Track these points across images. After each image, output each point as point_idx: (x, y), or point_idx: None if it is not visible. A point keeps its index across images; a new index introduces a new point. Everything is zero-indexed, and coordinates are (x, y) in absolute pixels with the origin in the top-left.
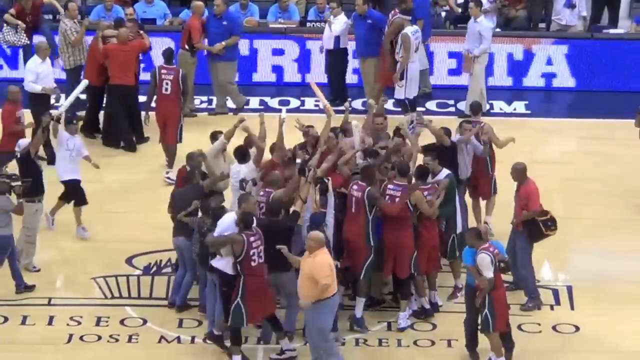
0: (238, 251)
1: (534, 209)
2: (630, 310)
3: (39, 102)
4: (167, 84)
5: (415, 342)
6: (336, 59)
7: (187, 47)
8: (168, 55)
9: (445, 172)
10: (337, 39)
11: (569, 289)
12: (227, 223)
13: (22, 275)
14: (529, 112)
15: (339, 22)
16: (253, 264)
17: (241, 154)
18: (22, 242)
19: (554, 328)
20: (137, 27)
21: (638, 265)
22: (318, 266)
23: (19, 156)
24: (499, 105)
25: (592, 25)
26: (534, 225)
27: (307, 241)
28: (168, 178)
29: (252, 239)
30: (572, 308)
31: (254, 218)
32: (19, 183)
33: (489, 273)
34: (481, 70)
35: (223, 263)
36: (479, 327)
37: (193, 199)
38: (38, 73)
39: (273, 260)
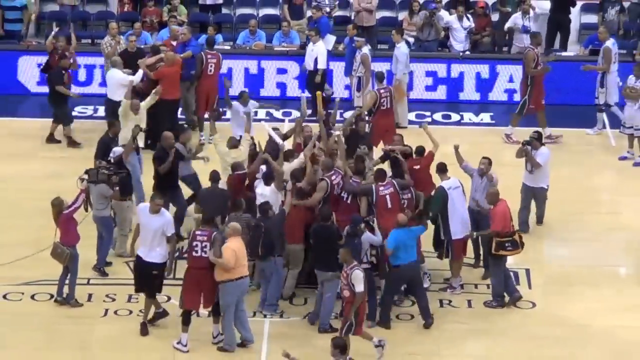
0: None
1: (494, 229)
2: (578, 290)
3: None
4: (211, 66)
5: (397, 316)
6: (314, 77)
7: None
8: (211, 42)
9: (447, 182)
10: (316, 61)
11: (527, 272)
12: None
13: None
14: (494, 122)
15: (318, 47)
16: (195, 254)
17: (267, 178)
18: (117, 234)
19: (514, 304)
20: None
21: (585, 252)
22: (224, 250)
23: (112, 161)
24: (469, 116)
25: (547, 49)
26: (491, 241)
27: (226, 228)
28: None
29: (198, 232)
30: (530, 287)
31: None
32: (116, 174)
33: (360, 287)
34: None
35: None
36: (345, 331)
37: (220, 197)
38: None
39: (320, 260)
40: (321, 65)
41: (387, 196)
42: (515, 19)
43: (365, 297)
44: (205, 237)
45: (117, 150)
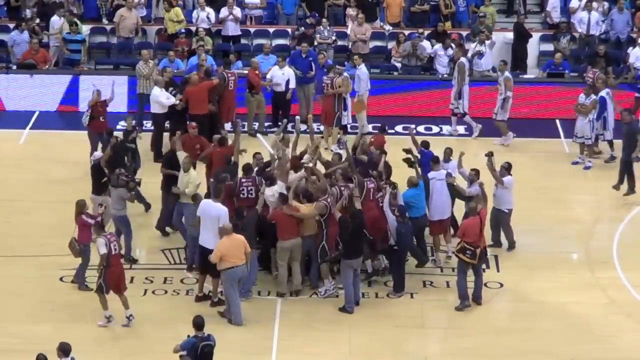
0: None
1: (458, 234)
2: (538, 273)
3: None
4: (231, 82)
5: (387, 295)
6: (283, 97)
7: (247, 90)
8: (228, 63)
9: (433, 173)
10: (287, 83)
11: (496, 258)
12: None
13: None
14: (467, 133)
15: (287, 71)
16: (242, 196)
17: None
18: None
19: (485, 284)
20: (204, 74)
21: (544, 241)
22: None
23: (92, 164)
24: (446, 128)
25: (512, 72)
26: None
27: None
28: None
29: (243, 180)
30: (498, 271)
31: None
32: (133, 180)
33: (102, 250)
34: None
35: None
36: (96, 290)
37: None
38: (167, 95)
39: (354, 250)
40: (292, 85)
41: (372, 189)
42: (476, 47)
43: (115, 261)
44: (250, 183)
45: (97, 154)
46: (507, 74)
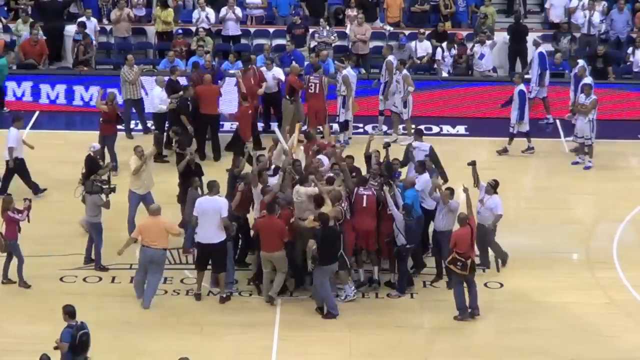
0: None
1: (451, 247)
2: (537, 273)
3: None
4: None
5: (387, 295)
6: (274, 98)
7: (287, 96)
8: (246, 60)
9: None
10: (278, 84)
11: (496, 258)
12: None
13: (91, 251)
14: (467, 133)
15: (276, 72)
16: None
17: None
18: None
19: (485, 285)
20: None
21: (543, 241)
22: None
23: (92, 154)
24: (446, 128)
25: (510, 72)
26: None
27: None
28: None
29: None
30: (498, 271)
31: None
32: (108, 186)
33: None
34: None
35: None
36: None
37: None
38: (161, 98)
39: (329, 256)
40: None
41: (365, 196)
42: (475, 48)
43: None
44: None
45: (96, 145)
46: (404, 72)
